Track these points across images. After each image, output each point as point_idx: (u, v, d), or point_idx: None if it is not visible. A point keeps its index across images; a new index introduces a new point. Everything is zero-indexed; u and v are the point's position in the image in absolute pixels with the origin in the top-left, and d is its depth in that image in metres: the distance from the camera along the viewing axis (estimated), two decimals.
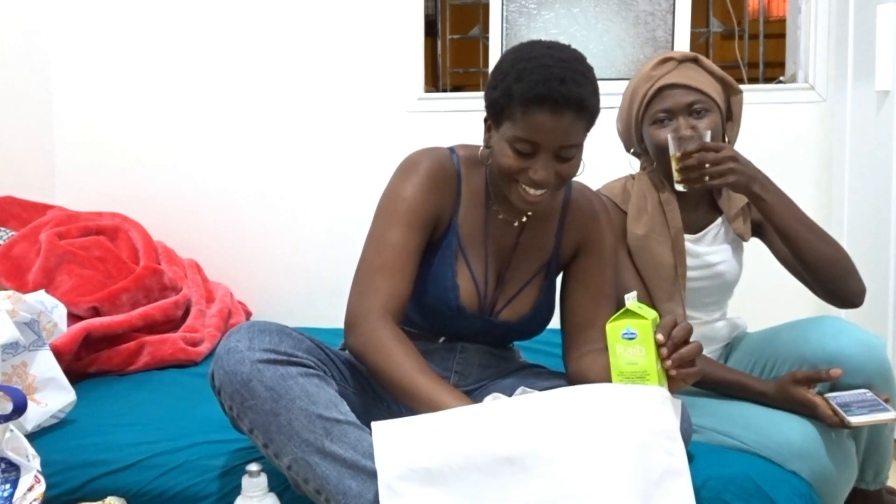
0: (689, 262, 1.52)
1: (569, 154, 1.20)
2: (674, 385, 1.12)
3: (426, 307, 1.34)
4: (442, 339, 1.40)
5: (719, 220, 1.58)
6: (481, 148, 1.33)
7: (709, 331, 1.59)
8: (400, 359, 1.16)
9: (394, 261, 1.24)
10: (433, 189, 1.29)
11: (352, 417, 1.13)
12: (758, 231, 1.60)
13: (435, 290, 1.32)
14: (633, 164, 1.64)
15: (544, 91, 1.15)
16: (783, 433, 1.30)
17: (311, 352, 1.17)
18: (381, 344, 1.18)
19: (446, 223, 1.33)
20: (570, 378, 1.35)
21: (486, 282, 1.35)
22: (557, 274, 1.43)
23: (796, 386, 1.35)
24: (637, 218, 1.52)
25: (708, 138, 1.39)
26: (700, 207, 1.56)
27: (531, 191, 1.22)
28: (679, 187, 1.41)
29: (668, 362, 1.09)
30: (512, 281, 1.38)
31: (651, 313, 1.11)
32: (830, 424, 1.31)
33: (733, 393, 1.43)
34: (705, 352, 1.53)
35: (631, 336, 1.09)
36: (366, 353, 1.19)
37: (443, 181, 1.31)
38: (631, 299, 1.11)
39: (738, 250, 1.60)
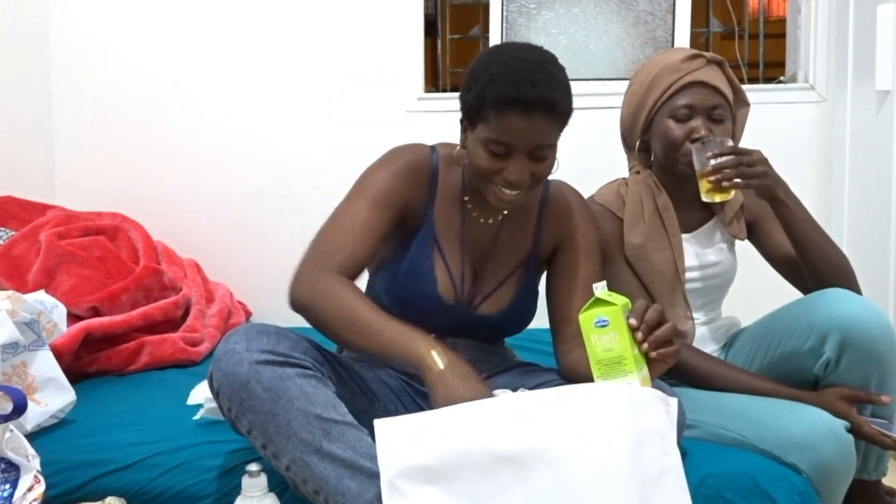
0: (687, 262, 1.52)
1: (542, 154, 1.23)
2: (655, 368, 1.14)
3: (407, 302, 1.34)
4: (432, 336, 1.40)
5: (713, 219, 1.58)
6: (457, 149, 1.35)
7: (707, 331, 1.58)
8: (361, 307, 1.18)
9: (353, 228, 1.28)
10: (407, 179, 1.33)
11: (349, 418, 1.13)
12: (749, 233, 1.61)
13: (414, 283, 1.33)
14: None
15: (515, 94, 1.17)
16: (782, 425, 1.30)
17: (309, 353, 1.17)
18: (336, 293, 1.19)
19: (420, 216, 1.35)
20: (563, 373, 1.36)
21: (462, 277, 1.37)
22: (539, 271, 1.44)
23: (841, 401, 1.34)
24: (633, 226, 1.51)
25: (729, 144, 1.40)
26: (693, 206, 1.56)
27: (507, 191, 1.25)
28: (706, 198, 1.40)
29: (645, 345, 1.11)
30: (490, 277, 1.39)
31: (621, 299, 1.13)
32: (880, 445, 1.34)
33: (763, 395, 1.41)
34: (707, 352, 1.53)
35: (603, 324, 1.11)
36: (317, 303, 1.20)
37: (418, 175, 1.34)
38: (600, 288, 1.13)
39: (731, 249, 1.61)
